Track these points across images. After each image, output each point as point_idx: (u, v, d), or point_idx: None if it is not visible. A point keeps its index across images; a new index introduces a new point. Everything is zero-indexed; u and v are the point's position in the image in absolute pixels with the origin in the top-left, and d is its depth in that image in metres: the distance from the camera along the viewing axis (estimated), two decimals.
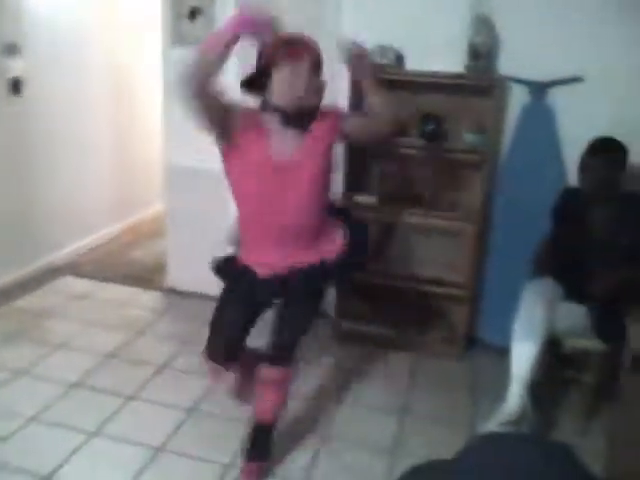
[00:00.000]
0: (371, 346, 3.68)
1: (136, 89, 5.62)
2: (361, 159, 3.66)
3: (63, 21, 4.50)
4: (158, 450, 2.64)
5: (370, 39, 3.48)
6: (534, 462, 1.04)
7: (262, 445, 2.53)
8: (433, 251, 3.72)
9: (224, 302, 2.42)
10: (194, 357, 3.42)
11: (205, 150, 4.05)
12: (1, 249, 4.10)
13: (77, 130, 4.80)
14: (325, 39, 3.60)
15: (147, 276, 4.63)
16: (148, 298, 4.28)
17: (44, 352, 3.38)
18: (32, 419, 2.78)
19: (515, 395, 2.69)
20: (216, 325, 2.41)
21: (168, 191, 4.28)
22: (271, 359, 2.41)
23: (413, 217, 3.52)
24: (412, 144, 3.51)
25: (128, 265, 4.88)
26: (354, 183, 3.66)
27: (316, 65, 2.20)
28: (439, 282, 3.54)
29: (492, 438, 1.20)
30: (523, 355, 2.70)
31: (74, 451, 2.59)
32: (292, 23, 2.37)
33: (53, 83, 4.44)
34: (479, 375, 3.47)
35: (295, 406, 3.02)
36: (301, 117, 2.19)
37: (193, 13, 3.78)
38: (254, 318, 2.42)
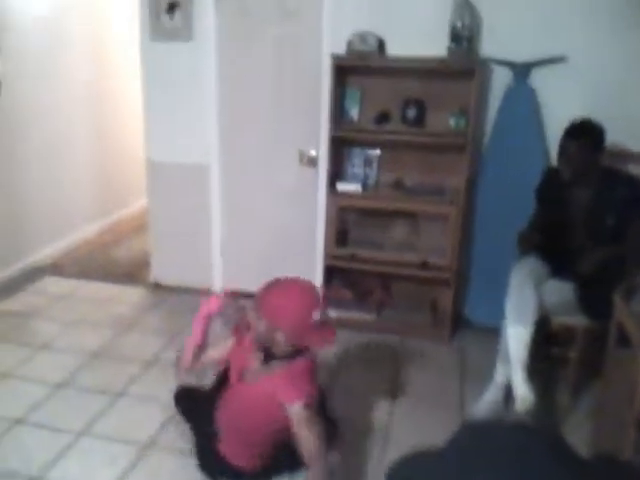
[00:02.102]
0: (357, 332, 3.67)
1: (117, 85, 5.54)
2: (343, 147, 3.64)
3: (40, 17, 4.41)
4: (147, 447, 2.61)
5: (351, 26, 3.46)
6: (522, 447, 1.04)
7: None
8: (418, 235, 3.71)
9: None
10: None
11: (185, 145, 4.06)
12: None
13: (57, 129, 4.73)
14: (306, 26, 3.61)
15: (131, 272, 4.58)
16: (133, 294, 4.23)
17: (28, 353, 3.33)
18: (18, 421, 2.74)
19: (521, 382, 2.67)
20: None
21: (149, 187, 4.22)
22: None
23: (397, 202, 3.51)
24: (394, 129, 3.48)
25: (111, 263, 4.82)
26: (338, 171, 3.64)
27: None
28: (425, 266, 3.53)
29: (479, 424, 1.19)
30: (519, 340, 2.69)
31: (62, 451, 2.55)
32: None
33: (32, 81, 4.36)
34: (467, 355, 3.48)
35: None
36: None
37: (171, 7, 3.72)
38: None
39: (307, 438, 2.11)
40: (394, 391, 3.09)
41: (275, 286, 2.23)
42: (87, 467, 2.48)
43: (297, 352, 2.23)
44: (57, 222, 4.84)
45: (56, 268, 4.58)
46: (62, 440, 2.62)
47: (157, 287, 4.29)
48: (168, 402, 2.91)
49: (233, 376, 2.33)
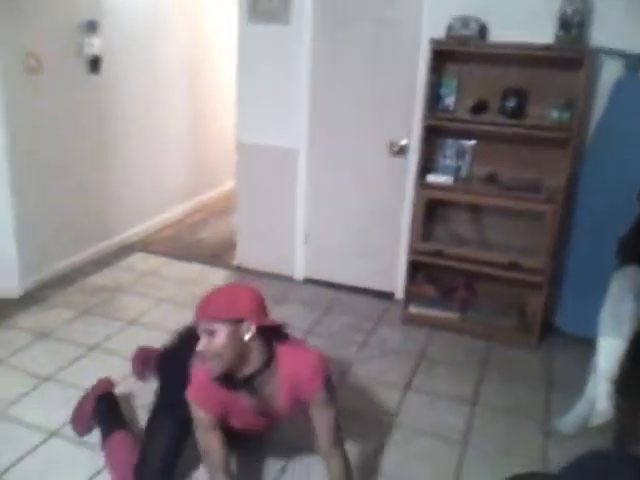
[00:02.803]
0: (440, 331, 3.55)
1: (212, 67, 5.64)
2: (436, 137, 3.50)
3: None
4: None
5: (452, 9, 3.32)
6: None
7: None
8: (510, 234, 3.53)
9: None
10: None
11: (275, 128, 4.05)
12: (76, 227, 4.20)
13: (152, 109, 4.86)
14: (406, 8, 3.48)
15: (216, 254, 4.66)
16: (216, 276, 4.30)
17: (116, 327, 3.45)
18: None
19: (605, 396, 2.49)
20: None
21: (238, 169, 4.26)
22: None
23: (490, 198, 3.35)
24: (492, 120, 3.31)
25: (197, 243, 4.92)
26: (429, 162, 3.52)
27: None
28: (515, 267, 3.35)
29: (594, 457, 1.08)
30: (611, 353, 2.50)
31: None
32: None
33: (130, 61, 4.49)
34: (555, 366, 3.28)
35: (359, 391, 2.96)
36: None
37: None
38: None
39: (328, 420, 1.97)
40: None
41: (213, 292, 1.92)
42: None
43: (270, 357, 1.93)
44: (148, 201, 4.99)
45: (145, 246, 4.73)
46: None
47: (240, 270, 4.33)
48: None
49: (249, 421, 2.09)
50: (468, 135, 3.49)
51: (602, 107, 3.20)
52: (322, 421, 1.98)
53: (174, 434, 2.20)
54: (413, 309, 3.64)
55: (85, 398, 2.57)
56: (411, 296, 3.65)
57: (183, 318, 3.54)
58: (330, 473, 2.04)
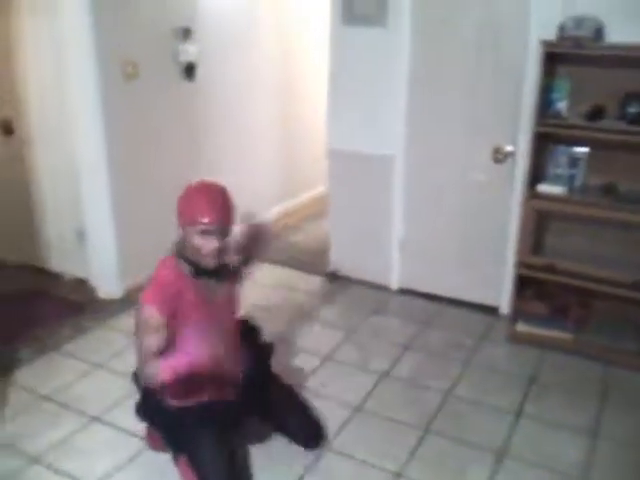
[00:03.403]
0: (551, 352, 3.32)
1: (304, 72, 5.60)
2: (546, 144, 3.28)
3: (233, 5, 4.55)
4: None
5: (563, 8, 3.09)
6: None
7: None
8: (629, 250, 3.25)
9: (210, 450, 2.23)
10: (357, 349, 3.34)
11: (370, 134, 3.94)
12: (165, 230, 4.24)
13: (245, 114, 4.87)
14: (513, 9, 3.28)
15: (309, 259, 4.61)
16: (309, 282, 4.24)
17: None
18: None
19: None
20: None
21: (330, 175, 4.17)
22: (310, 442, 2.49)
23: (609, 211, 3.08)
24: (611, 127, 3.05)
25: (290, 247, 4.89)
26: (538, 171, 3.30)
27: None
28: (636, 286, 3.07)
29: None
30: None
31: None
32: None
33: (223, 68, 4.51)
34: None
35: (464, 415, 2.81)
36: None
37: None
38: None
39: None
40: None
41: (216, 195, 2.26)
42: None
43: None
44: (241, 205, 4.97)
45: None
46: None
47: (334, 277, 4.25)
48: (346, 401, 2.86)
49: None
50: (581, 143, 3.24)
51: None
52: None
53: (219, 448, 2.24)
54: (521, 327, 3.42)
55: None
56: (519, 312, 3.43)
57: (278, 323, 3.54)
58: None
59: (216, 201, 2.21)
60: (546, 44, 3.04)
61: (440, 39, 3.55)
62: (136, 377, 2.37)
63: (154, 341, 2.16)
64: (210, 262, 2.22)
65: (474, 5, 3.42)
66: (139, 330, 2.19)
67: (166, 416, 2.29)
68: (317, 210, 5.78)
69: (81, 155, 3.66)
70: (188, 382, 2.22)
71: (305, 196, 6.01)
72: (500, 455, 2.55)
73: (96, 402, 2.80)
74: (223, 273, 2.34)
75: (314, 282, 4.25)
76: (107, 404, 2.79)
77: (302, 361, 3.20)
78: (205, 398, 2.29)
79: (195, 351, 2.25)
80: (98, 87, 3.48)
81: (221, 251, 2.22)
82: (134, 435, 2.58)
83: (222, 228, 2.20)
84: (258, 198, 5.21)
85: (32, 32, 3.65)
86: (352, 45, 3.78)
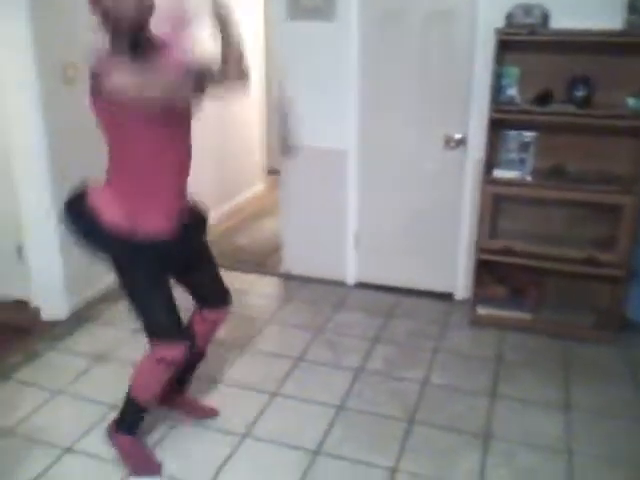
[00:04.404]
0: (512, 332, 3.43)
1: None
2: (498, 130, 3.36)
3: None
4: (314, 453, 2.50)
5: None
6: None
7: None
8: (580, 228, 3.40)
9: (148, 283, 2.18)
10: (327, 348, 3.29)
11: (321, 129, 3.89)
12: None
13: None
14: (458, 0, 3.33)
15: (260, 260, 4.51)
16: (264, 284, 4.15)
17: None
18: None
19: None
20: (162, 307, 2.20)
21: (282, 172, 4.09)
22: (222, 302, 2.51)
23: (563, 192, 3.21)
24: (559, 110, 3.16)
25: (238, 250, 4.76)
26: (493, 157, 3.38)
27: None
28: (592, 262, 3.21)
29: None
30: None
31: (232, 452, 2.49)
32: None
33: None
34: (638, 361, 3.17)
35: (444, 401, 2.84)
36: None
37: None
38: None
39: None
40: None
41: None
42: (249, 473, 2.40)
43: None
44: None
45: None
46: (227, 440, 2.55)
47: (288, 277, 4.19)
48: (328, 404, 2.80)
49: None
50: (529, 127, 3.35)
51: None
52: None
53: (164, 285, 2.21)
54: (481, 310, 3.51)
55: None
56: (478, 297, 3.52)
57: (240, 330, 3.43)
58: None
59: None
60: (499, 32, 3.11)
61: (389, 30, 3.55)
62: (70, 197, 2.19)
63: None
64: (132, 14, 1.90)
65: None
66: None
67: (102, 236, 2.12)
68: (258, 209, 5.69)
69: (19, 163, 3.36)
70: (135, 203, 2.09)
71: (244, 195, 5.89)
72: (486, 438, 2.59)
73: (63, 431, 2.58)
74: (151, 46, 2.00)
75: (269, 284, 4.17)
76: (76, 432, 2.57)
77: (274, 366, 3.11)
78: (145, 228, 2.11)
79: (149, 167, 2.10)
80: (38, 91, 3.23)
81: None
82: (112, 462, 2.41)
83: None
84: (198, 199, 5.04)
85: None
86: (299, 39, 3.71)
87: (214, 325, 2.54)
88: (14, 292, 3.68)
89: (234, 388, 2.93)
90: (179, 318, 2.25)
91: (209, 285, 2.49)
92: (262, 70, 5.99)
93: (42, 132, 3.29)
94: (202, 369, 2.72)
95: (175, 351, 2.21)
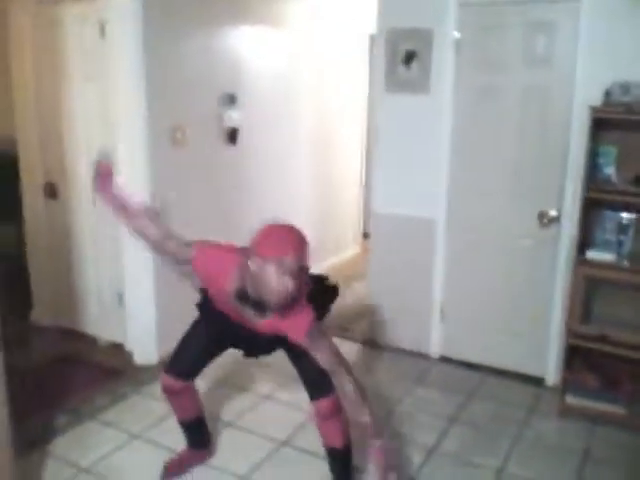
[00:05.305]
0: (603, 426, 3.17)
1: (339, 136, 5.73)
2: (593, 209, 3.23)
3: (273, 72, 4.66)
4: None
5: (609, 74, 3.11)
6: None
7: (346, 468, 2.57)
8: None
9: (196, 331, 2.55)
10: (403, 422, 3.20)
11: (411, 197, 3.92)
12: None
13: (284, 176, 4.95)
14: (557, 75, 3.31)
15: (345, 324, 4.51)
16: (347, 349, 4.13)
17: (252, 402, 3.37)
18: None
19: None
20: (188, 350, 2.55)
21: (371, 237, 4.14)
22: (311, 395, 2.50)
23: None
24: None
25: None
26: (586, 237, 3.23)
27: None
28: None
29: None
30: None
31: None
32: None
33: (263, 132, 4.59)
34: None
35: None
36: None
37: (409, 57, 3.65)
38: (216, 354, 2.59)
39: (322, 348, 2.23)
40: None
41: (293, 236, 2.18)
42: None
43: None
44: None
45: None
46: None
47: (372, 344, 4.15)
48: None
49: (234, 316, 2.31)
50: (628, 208, 3.19)
51: None
52: (317, 350, 2.21)
53: (205, 345, 2.52)
54: (571, 399, 3.28)
55: None
56: (568, 385, 3.30)
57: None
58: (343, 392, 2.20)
59: (300, 241, 2.14)
60: (595, 110, 3.04)
61: (483, 104, 3.58)
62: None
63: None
64: (275, 299, 2.07)
65: (518, 71, 3.45)
66: None
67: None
68: (351, 272, 5.73)
69: None
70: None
71: (340, 257, 5.98)
72: None
73: (136, 475, 2.70)
74: (264, 309, 2.19)
75: (350, 349, 4.15)
76: (147, 478, 2.69)
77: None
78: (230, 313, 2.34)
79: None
80: (147, 151, 3.53)
81: (292, 293, 2.06)
82: None
83: (300, 267, 2.08)
84: None
85: (81, 98, 3.73)
86: (394, 111, 3.83)
87: (316, 418, 2.51)
88: (113, 336, 3.95)
89: (306, 455, 2.92)
90: (192, 363, 2.54)
91: (302, 378, 2.54)
92: (364, 140, 6.18)
93: (147, 188, 3.56)
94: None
95: (162, 378, 2.58)
